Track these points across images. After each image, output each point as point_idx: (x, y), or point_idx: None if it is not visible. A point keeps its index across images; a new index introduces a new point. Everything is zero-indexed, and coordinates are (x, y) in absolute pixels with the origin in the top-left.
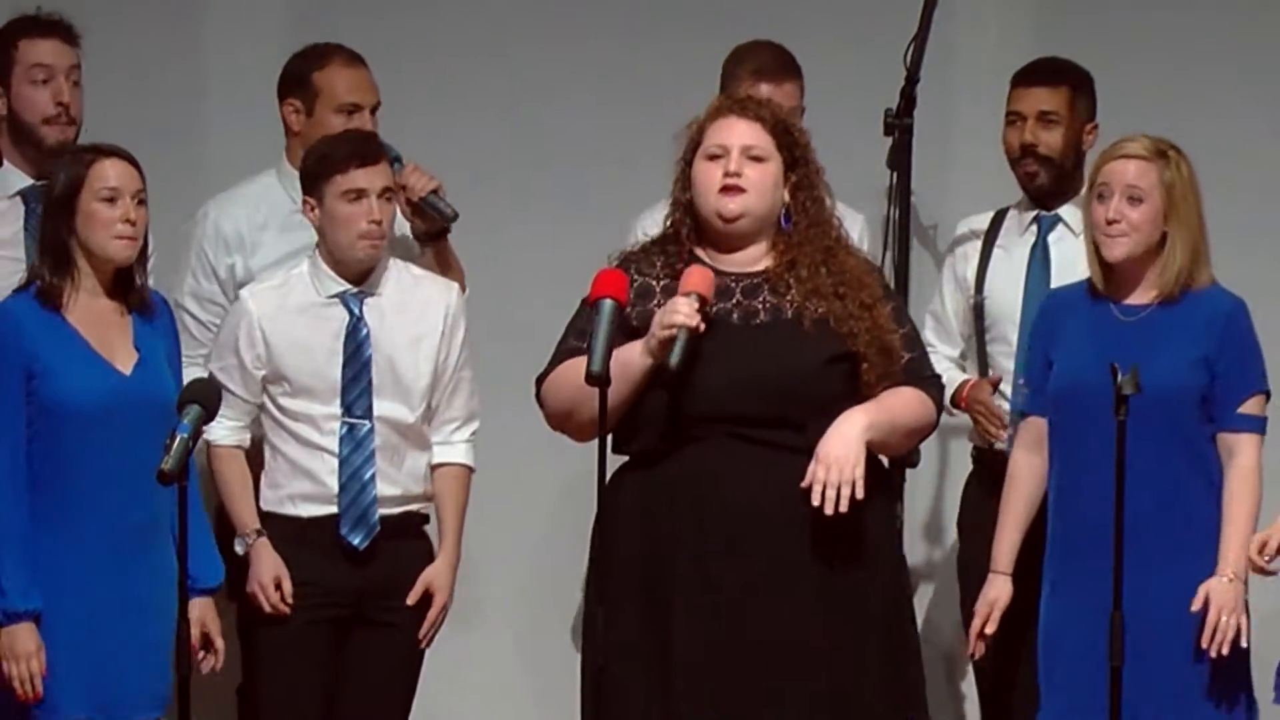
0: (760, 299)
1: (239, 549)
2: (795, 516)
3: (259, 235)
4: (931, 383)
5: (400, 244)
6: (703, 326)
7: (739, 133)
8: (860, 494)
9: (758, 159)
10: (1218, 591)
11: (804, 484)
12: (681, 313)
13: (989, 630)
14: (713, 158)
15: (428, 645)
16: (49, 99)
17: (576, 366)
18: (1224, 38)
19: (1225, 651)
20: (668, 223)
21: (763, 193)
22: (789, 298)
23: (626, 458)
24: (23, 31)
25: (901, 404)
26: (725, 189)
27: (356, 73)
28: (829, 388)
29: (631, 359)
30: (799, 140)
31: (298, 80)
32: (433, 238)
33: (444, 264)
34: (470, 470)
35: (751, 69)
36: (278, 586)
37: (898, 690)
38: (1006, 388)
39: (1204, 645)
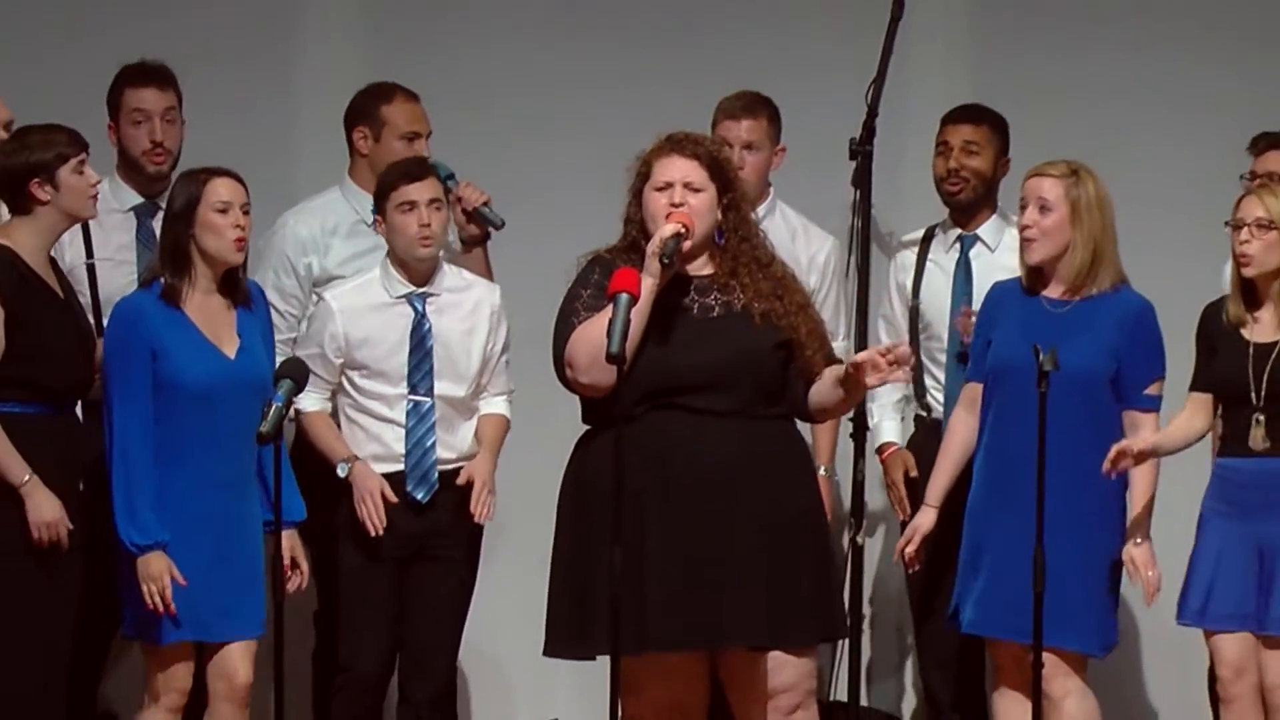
0: (712, 297)
1: (341, 473)
2: (745, 464)
3: (329, 239)
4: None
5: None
6: (684, 230)
7: (680, 169)
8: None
9: (695, 189)
10: (1137, 555)
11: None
12: (668, 228)
13: (910, 550)
14: (660, 189)
15: (482, 518)
16: (145, 138)
17: (592, 328)
18: (1131, 84)
19: (1157, 600)
20: (628, 235)
21: (702, 215)
22: (735, 296)
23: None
24: (127, 81)
25: None
26: (671, 215)
27: (416, 107)
28: (773, 367)
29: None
30: (728, 171)
31: (366, 112)
32: (479, 242)
33: (486, 266)
34: (507, 420)
35: (722, 109)
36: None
37: (822, 592)
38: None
39: (1146, 603)
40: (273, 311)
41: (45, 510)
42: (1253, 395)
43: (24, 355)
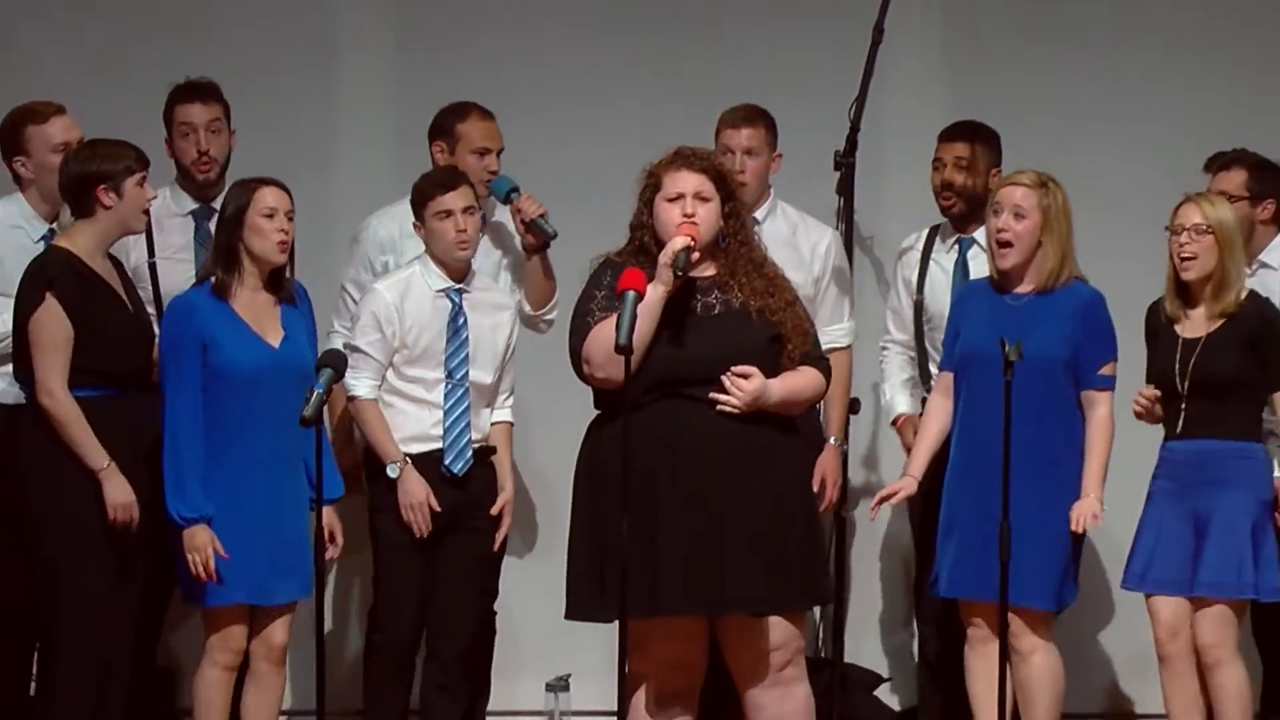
0: (713, 296)
1: (391, 473)
2: (744, 448)
3: (406, 242)
4: (822, 360)
5: (511, 252)
6: (693, 242)
7: (691, 182)
8: (737, 408)
9: (704, 199)
10: (1084, 508)
11: (713, 395)
12: (679, 241)
13: (892, 503)
14: (672, 200)
15: (499, 546)
16: (193, 149)
17: (607, 328)
18: (1095, 101)
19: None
20: (636, 239)
21: (710, 224)
22: (734, 295)
23: (602, 411)
24: (176, 98)
25: (803, 381)
26: (683, 225)
27: (489, 125)
28: (768, 359)
29: (649, 297)
30: (730, 182)
31: (443, 128)
32: (537, 250)
33: (545, 271)
34: (512, 424)
35: (724, 119)
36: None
37: (812, 562)
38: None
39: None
40: (350, 301)
41: (120, 494)
42: (1178, 385)
43: (86, 345)
